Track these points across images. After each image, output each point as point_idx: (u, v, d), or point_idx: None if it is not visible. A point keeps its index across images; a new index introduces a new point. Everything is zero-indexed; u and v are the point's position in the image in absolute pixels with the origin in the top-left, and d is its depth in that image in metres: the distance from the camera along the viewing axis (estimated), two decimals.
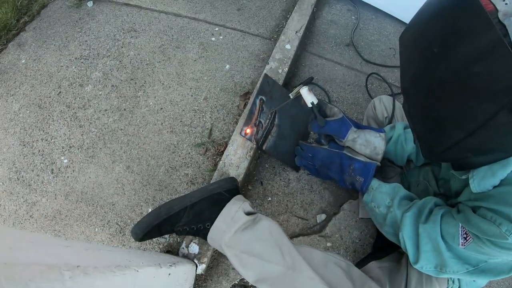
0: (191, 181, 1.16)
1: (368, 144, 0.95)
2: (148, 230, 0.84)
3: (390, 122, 1.12)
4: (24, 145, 1.28)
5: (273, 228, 0.86)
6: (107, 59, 1.45)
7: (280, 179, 1.18)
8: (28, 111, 1.35)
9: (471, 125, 0.54)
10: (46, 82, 1.41)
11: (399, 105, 1.15)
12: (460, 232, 0.68)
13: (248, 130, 1.09)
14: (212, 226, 0.86)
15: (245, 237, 0.84)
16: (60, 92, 1.38)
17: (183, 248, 0.96)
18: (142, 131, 1.27)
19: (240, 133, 1.09)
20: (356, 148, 0.96)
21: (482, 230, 0.62)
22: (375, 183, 0.92)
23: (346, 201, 1.17)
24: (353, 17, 1.70)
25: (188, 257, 0.95)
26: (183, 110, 1.30)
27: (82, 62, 1.45)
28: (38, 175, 1.22)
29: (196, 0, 1.66)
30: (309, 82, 1.34)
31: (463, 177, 0.70)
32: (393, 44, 1.62)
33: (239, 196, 0.93)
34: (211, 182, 1.02)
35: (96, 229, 1.11)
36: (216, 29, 1.53)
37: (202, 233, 0.88)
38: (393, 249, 0.96)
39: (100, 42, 1.50)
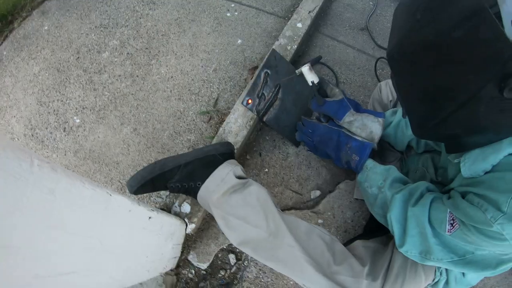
0: (192, 146, 1.16)
1: (364, 127, 0.93)
2: (142, 183, 0.85)
3: (394, 106, 1.09)
4: (41, 104, 1.32)
5: (261, 194, 0.85)
6: (125, 29, 1.47)
7: (279, 152, 1.16)
8: (47, 74, 1.39)
9: (459, 97, 0.51)
10: (66, 47, 1.45)
11: None
12: (448, 218, 0.64)
13: (250, 101, 1.08)
14: (202, 185, 0.86)
15: (233, 199, 0.83)
16: (78, 57, 1.42)
17: (175, 206, 0.97)
18: (152, 97, 1.28)
19: (242, 102, 1.08)
20: (352, 130, 0.94)
21: (468, 216, 0.58)
22: (370, 163, 0.90)
23: (342, 180, 1.14)
24: (370, 3, 1.64)
25: (179, 215, 0.96)
26: (192, 80, 1.30)
27: (101, 31, 1.48)
28: (51, 132, 1.26)
29: None
30: (317, 61, 1.31)
31: (456, 160, 0.67)
32: None
33: (232, 160, 0.92)
34: (208, 144, 1.02)
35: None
36: (232, 5, 1.52)
37: (193, 192, 0.89)
38: (383, 233, 0.93)
39: (119, 13, 1.53)
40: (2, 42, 1.57)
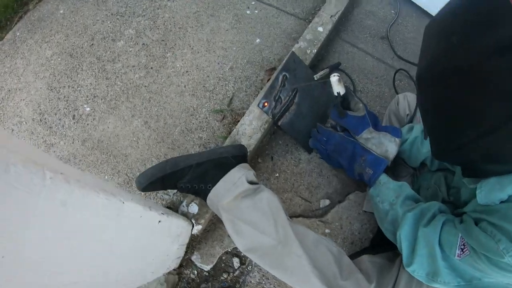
0: (203, 144, 1.13)
1: (380, 145, 0.90)
2: (151, 180, 0.82)
3: (411, 121, 1.05)
4: (51, 89, 1.28)
5: (272, 201, 0.82)
6: (141, 18, 1.43)
7: (291, 158, 1.13)
8: (59, 59, 1.35)
9: (484, 125, 0.49)
10: (81, 33, 1.41)
11: None
12: (458, 242, 0.63)
13: (266, 103, 1.04)
14: (213, 188, 0.82)
15: (244, 204, 0.80)
16: (92, 44, 1.38)
17: (183, 206, 0.94)
18: (165, 90, 1.24)
19: (258, 104, 1.04)
20: (367, 146, 0.91)
21: (480, 244, 0.57)
22: (383, 178, 0.87)
23: (353, 191, 1.11)
24: (392, 11, 1.59)
25: (186, 215, 0.93)
26: (208, 76, 1.26)
27: (117, 18, 1.44)
28: (60, 119, 1.22)
29: None
30: (336, 67, 1.27)
31: (472, 186, 0.65)
32: None
33: (245, 164, 0.89)
34: (221, 146, 0.98)
35: (106, 177, 1.11)
36: (253, 2, 1.47)
37: (203, 194, 0.85)
38: (390, 248, 0.90)
39: (137, 2, 1.48)
40: (16, 23, 1.53)
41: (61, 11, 1.49)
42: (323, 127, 1.03)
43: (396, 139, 0.91)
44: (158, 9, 1.45)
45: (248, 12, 1.44)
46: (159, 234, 0.69)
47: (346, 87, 0.96)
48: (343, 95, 0.94)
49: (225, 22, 1.40)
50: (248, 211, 0.80)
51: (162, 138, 1.15)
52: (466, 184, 0.68)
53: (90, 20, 1.44)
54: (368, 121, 0.92)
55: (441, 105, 0.56)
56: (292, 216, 1.05)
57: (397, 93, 1.28)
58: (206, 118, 1.17)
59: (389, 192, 0.83)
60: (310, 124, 1.09)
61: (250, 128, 1.04)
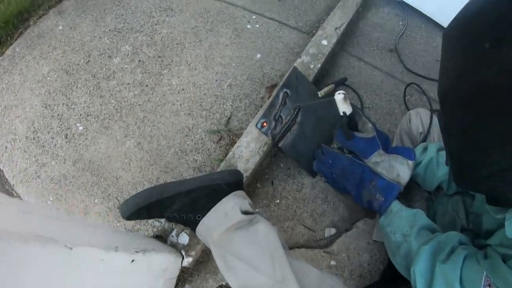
0: (198, 167, 1.04)
1: (391, 169, 0.80)
2: (136, 209, 0.73)
3: (424, 140, 0.94)
4: (46, 107, 1.23)
5: (270, 234, 0.72)
6: (139, 34, 1.37)
7: (293, 182, 1.03)
8: (55, 75, 1.30)
9: None
10: (78, 50, 1.36)
11: (437, 122, 0.96)
12: (483, 281, 0.53)
13: (265, 123, 0.96)
14: (202, 219, 0.73)
15: (237, 237, 0.70)
16: (89, 61, 1.33)
17: (172, 236, 0.85)
18: (160, 109, 1.17)
19: (256, 124, 0.95)
20: (377, 170, 0.81)
21: (510, 285, 0.49)
22: (395, 206, 0.77)
23: (361, 218, 1.00)
24: (400, 23, 1.50)
25: (176, 246, 0.84)
26: (205, 94, 1.19)
27: (115, 35, 1.39)
28: (52, 137, 1.16)
29: None
30: (342, 83, 1.18)
31: (499, 216, 0.55)
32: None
33: (239, 192, 0.80)
34: (214, 171, 0.90)
35: (96, 200, 1.03)
36: (254, 17, 1.41)
37: (192, 224, 0.76)
38: (402, 283, 0.79)
39: (135, 17, 1.43)
40: (16, 39, 1.49)
41: (60, 27, 1.45)
42: (328, 148, 0.93)
43: (409, 161, 0.81)
44: (156, 24, 1.40)
45: (248, 26, 1.37)
46: (135, 274, 0.60)
47: (353, 106, 0.87)
48: (349, 115, 0.84)
49: (224, 37, 1.34)
50: (242, 245, 0.70)
51: (155, 160, 1.07)
52: (490, 212, 0.58)
53: (88, 37, 1.40)
54: (378, 142, 0.83)
55: (469, 129, 0.47)
56: (294, 247, 0.94)
57: (408, 109, 1.18)
58: (202, 139, 1.09)
59: (402, 221, 0.73)
60: (314, 146, 1.00)
61: (247, 150, 0.95)
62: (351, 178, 0.85)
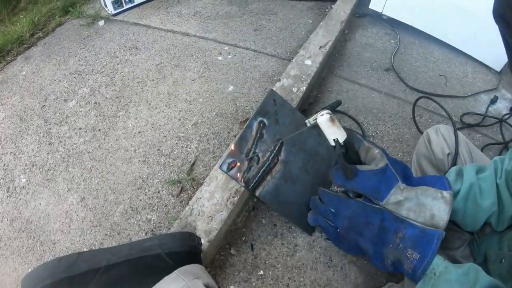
0: (152, 230, 0.74)
1: (421, 209, 0.50)
2: None
3: (455, 163, 0.64)
4: None
5: None
6: (99, 75, 1.16)
7: (282, 244, 0.71)
8: (9, 122, 1.10)
9: None
10: (36, 94, 1.17)
11: (463, 138, 0.67)
12: None
13: (234, 164, 0.66)
14: None
15: None
16: (44, 105, 1.12)
17: None
18: (111, 157, 0.90)
19: (221, 166, 0.66)
20: (402, 214, 0.51)
21: None
22: (439, 264, 0.46)
23: (383, 284, 0.67)
24: (392, 41, 1.29)
25: None
26: (165, 136, 0.92)
27: (74, 77, 1.18)
28: None
29: (209, 20, 1.36)
30: (335, 106, 0.91)
31: None
32: (443, 71, 1.20)
33: (190, 267, 0.49)
34: (152, 236, 0.59)
35: (29, 269, 0.79)
36: (226, 48, 1.19)
37: None
38: None
39: (98, 59, 1.24)
40: None
41: (24, 73, 1.28)
42: (327, 192, 0.63)
43: (444, 192, 0.50)
44: (118, 64, 1.19)
45: (220, 58, 1.15)
46: None
47: (347, 130, 0.57)
48: (344, 142, 0.54)
49: (191, 71, 1.11)
50: None
51: (99, 220, 0.77)
52: None
53: (47, 80, 1.21)
54: (394, 173, 0.53)
55: None
56: None
57: (421, 132, 0.90)
58: (159, 192, 0.79)
59: (452, 287, 0.43)
60: (307, 191, 0.70)
61: (211, 203, 0.64)
62: (366, 231, 0.54)
